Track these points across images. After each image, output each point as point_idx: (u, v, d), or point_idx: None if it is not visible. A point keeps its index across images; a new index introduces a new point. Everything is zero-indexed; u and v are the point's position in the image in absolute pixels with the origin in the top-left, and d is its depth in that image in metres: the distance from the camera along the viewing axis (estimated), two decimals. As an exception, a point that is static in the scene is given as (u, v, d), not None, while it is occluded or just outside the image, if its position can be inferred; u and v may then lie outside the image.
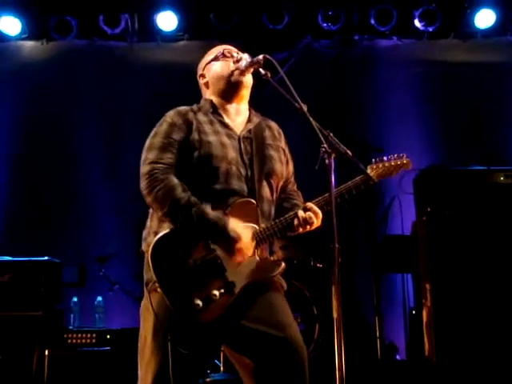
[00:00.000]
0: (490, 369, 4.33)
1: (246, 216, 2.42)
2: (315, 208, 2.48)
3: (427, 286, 4.64)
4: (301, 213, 2.46)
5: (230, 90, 2.61)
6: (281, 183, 2.64)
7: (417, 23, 6.56)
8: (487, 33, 6.64)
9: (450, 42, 6.76)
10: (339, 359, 2.16)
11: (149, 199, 2.39)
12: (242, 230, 2.37)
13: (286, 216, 2.48)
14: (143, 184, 2.39)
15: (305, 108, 2.42)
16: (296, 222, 2.45)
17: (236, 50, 2.69)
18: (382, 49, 6.82)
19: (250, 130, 2.59)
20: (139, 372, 2.40)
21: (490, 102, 6.50)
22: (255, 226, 2.43)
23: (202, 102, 2.67)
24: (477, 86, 6.53)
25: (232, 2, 6.45)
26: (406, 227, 5.51)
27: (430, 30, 6.57)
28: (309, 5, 6.54)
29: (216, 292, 2.30)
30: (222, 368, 4.68)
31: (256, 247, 2.42)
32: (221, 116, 2.58)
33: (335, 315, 2.18)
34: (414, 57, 6.77)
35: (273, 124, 2.73)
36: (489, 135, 6.36)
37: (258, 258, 2.43)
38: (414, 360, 4.98)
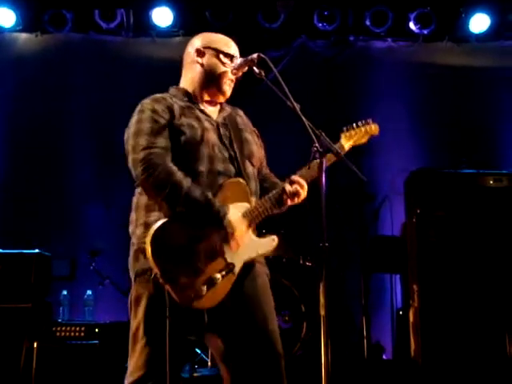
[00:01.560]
0: (476, 369, 4.38)
1: (238, 195, 2.45)
2: (300, 180, 2.53)
3: (415, 287, 4.68)
4: (288, 187, 2.51)
5: (213, 90, 2.62)
6: (258, 164, 2.68)
7: (412, 26, 6.59)
8: (481, 37, 6.68)
9: (444, 46, 6.80)
10: (325, 357, 2.18)
11: (146, 185, 2.36)
12: (239, 221, 2.39)
13: (274, 192, 2.53)
14: (138, 170, 2.35)
15: (298, 107, 2.44)
16: (285, 196, 2.51)
17: (236, 52, 2.68)
18: (377, 50, 6.85)
19: (224, 118, 2.63)
20: (130, 362, 2.39)
21: (483, 105, 6.54)
22: (247, 204, 2.46)
23: (174, 91, 2.64)
24: (470, 90, 6.58)
25: (228, 0, 6.47)
26: (396, 228, 5.55)
27: (425, 32, 6.61)
28: (305, 4, 6.56)
29: (218, 275, 2.31)
30: (209, 363, 4.70)
31: (250, 225, 2.44)
32: (197, 104, 2.59)
33: (322, 313, 2.20)
34: (408, 59, 6.80)
35: (240, 111, 2.77)
36: (480, 139, 6.41)
37: (252, 236, 2.46)
38: (401, 360, 5.02)
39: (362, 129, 2.80)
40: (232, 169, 2.49)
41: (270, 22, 6.53)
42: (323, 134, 2.42)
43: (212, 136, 2.50)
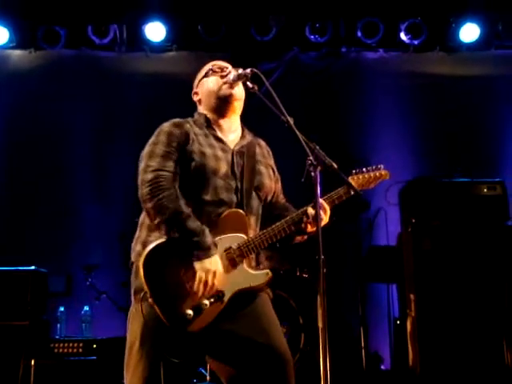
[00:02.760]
0: (474, 378, 4.38)
1: (236, 226, 2.47)
2: (324, 204, 2.52)
3: (412, 297, 4.69)
4: (310, 209, 2.50)
5: (221, 104, 2.64)
6: (269, 197, 2.69)
7: (403, 36, 6.64)
8: (472, 46, 6.73)
9: (435, 55, 6.85)
10: (324, 369, 2.18)
11: (149, 205, 2.39)
12: (220, 264, 2.39)
13: (294, 214, 2.53)
14: (145, 190, 2.39)
15: (291, 121, 2.45)
16: (305, 218, 2.50)
17: (225, 64, 2.73)
18: (369, 61, 6.89)
19: (243, 146, 2.64)
20: (126, 377, 2.42)
21: (474, 114, 6.58)
22: (244, 235, 2.47)
23: (196, 115, 2.70)
24: (461, 99, 6.62)
25: (220, 14, 6.50)
26: (392, 238, 5.57)
27: (416, 43, 6.66)
28: (296, 17, 6.60)
29: (206, 301, 2.34)
30: (208, 377, 4.69)
31: (244, 257, 2.45)
32: (214, 131, 2.62)
33: (320, 325, 2.21)
34: (400, 69, 6.84)
35: (262, 142, 2.79)
36: (473, 147, 6.44)
37: (246, 268, 2.47)
38: (399, 370, 5.01)
39: (372, 174, 2.72)
40: (235, 199, 2.50)
41: (262, 34, 6.56)
42: (317, 147, 2.43)
43: (222, 165, 2.52)
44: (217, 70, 2.68)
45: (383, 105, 6.65)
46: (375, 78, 6.77)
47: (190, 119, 2.66)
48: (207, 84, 2.68)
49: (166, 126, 2.57)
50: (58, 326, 5.49)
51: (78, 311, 5.67)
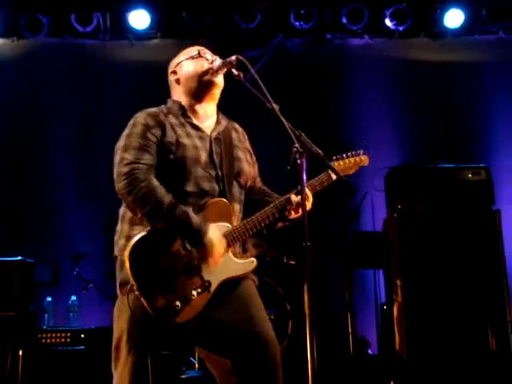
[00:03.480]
0: (459, 363, 4.43)
1: (220, 215, 2.46)
2: (306, 191, 2.51)
3: (398, 282, 4.72)
4: (293, 197, 2.53)
5: (201, 89, 2.61)
6: (249, 183, 2.69)
7: (388, 22, 6.64)
8: (456, 32, 6.74)
9: (420, 41, 6.86)
10: (311, 354, 2.20)
11: (129, 199, 2.37)
12: (218, 240, 2.40)
13: (277, 201, 2.55)
14: (121, 184, 2.36)
15: (277, 108, 2.44)
16: (289, 206, 2.52)
17: (210, 52, 2.71)
18: (354, 47, 6.89)
19: (219, 133, 2.62)
20: (114, 373, 2.40)
21: (460, 99, 6.61)
22: (228, 224, 2.47)
23: (170, 103, 2.66)
24: (447, 84, 6.64)
25: (204, 1, 6.46)
26: (378, 224, 5.59)
27: (401, 29, 6.66)
28: (281, 3, 6.58)
29: (193, 292, 2.34)
30: (196, 365, 4.71)
31: (229, 245, 2.45)
32: (190, 118, 2.59)
33: (307, 311, 2.22)
34: (385, 55, 6.84)
35: (238, 126, 2.77)
36: (457, 132, 6.47)
37: (231, 256, 2.47)
38: (386, 354, 5.06)
39: (352, 160, 2.78)
40: (216, 188, 2.49)
41: (247, 22, 6.53)
42: (303, 134, 2.43)
43: (201, 154, 2.50)
44: (202, 55, 2.64)
45: (369, 91, 6.66)
46: (361, 64, 6.77)
47: (163, 107, 2.62)
48: (190, 66, 2.63)
49: (140, 116, 2.52)
50: (46, 316, 5.47)
51: (65, 301, 5.65)
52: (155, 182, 2.38)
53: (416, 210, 4.78)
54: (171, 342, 2.34)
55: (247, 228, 2.49)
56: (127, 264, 2.28)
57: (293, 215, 2.55)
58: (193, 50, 2.69)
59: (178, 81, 2.67)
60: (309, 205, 2.53)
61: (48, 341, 4.88)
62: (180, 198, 2.40)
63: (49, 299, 5.55)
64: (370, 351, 5.52)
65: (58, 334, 4.92)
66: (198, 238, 2.35)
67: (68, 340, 4.89)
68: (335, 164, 2.71)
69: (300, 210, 2.51)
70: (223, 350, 2.43)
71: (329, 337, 5.12)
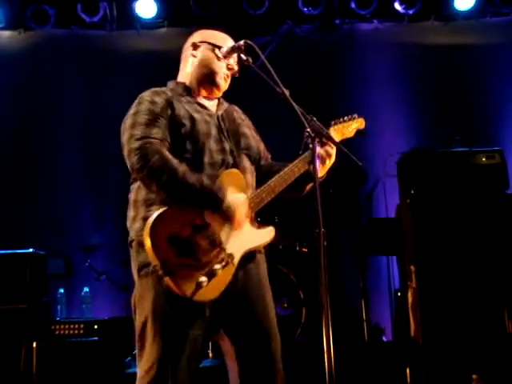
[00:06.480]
0: (476, 347, 4.39)
1: (234, 185, 2.43)
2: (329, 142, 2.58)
3: (412, 268, 4.67)
4: (318, 148, 2.51)
5: (206, 84, 2.62)
6: (257, 157, 2.68)
7: (397, 6, 6.57)
8: (467, 15, 6.67)
9: (430, 25, 6.78)
10: (327, 343, 2.16)
11: (142, 173, 2.31)
12: (239, 200, 2.37)
13: (303, 155, 2.55)
14: (134, 159, 2.31)
15: (287, 93, 2.41)
16: (320, 152, 2.54)
17: (236, 58, 2.63)
18: (363, 32, 6.82)
19: (224, 111, 2.63)
20: (140, 361, 2.35)
21: (472, 83, 6.53)
22: (243, 194, 2.44)
23: (173, 84, 2.63)
24: (458, 68, 6.57)
25: (212, -12, 6.41)
26: (391, 210, 5.55)
27: (411, 12, 6.59)
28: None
29: (218, 266, 2.28)
30: (210, 354, 4.70)
31: (247, 215, 2.42)
32: (195, 98, 2.59)
33: (322, 299, 2.19)
34: (395, 40, 6.78)
35: (236, 107, 2.77)
36: (470, 116, 6.40)
37: (250, 227, 2.44)
38: (401, 341, 5.03)
39: (350, 123, 2.86)
40: (230, 160, 2.47)
41: (254, 8, 6.49)
42: (314, 118, 2.40)
43: (211, 128, 2.49)
44: (223, 58, 2.61)
45: (379, 76, 6.60)
46: (370, 49, 6.71)
47: (166, 88, 2.59)
48: (210, 59, 2.62)
49: (145, 94, 2.50)
50: (59, 307, 5.49)
51: (77, 292, 5.67)
52: (168, 155, 2.34)
53: (429, 195, 4.71)
54: (198, 321, 2.30)
55: (262, 197, 2.47)
56: (148, 243, 2.20)
57: (321, 169, 2.56)
58: (222, 43, 2.64)
59: (194, 56, 2.65)
60: (334, 153, 2.60)
61: (61, 332, 4.89)
62: (197, 170, 2.36)
63: (61, 291, 5.57)
64: (384, 338, 5.49)
65: (72, 326, 4.93)
66: (218, 203, 2.30)
67: (81, 331, 4.89)
68: (335, 127, 2.78)
69: (327, 161, 2.58)
70: (231, 332, 2.42)
71: (343, 324, 5.09)
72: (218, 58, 2.61)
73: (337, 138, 2.73)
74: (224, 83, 2.64)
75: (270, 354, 2.42)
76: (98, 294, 5.68)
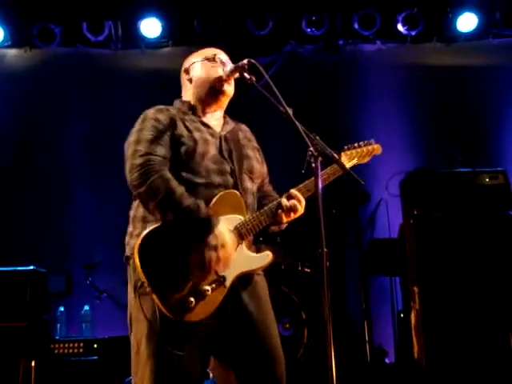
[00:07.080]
0: (480, 369, 4.34)
1: (232, 207, 2.42)
2: (299, 195, 2.51)
3: (415, 289, 4.65)
4: (284, 201, 2.49)
5: (211, 95, 2.61)
6: (259, 181, 2.66)
7: (400, 27, 6.60)
8: (470, 36, 6.69)
9: (433, 46, 6.80)
10: (330, 363, 2.13)
11: (140, 190, 2.31)
12: (228, 234, 2.34)
13: (270, 205, 2.50)
14: (134, 176, 2.31)
15: (290, 112, 2.41)
16: (279, 210, 2.47)
17: (226, 56, 2.68)
18: (366, 53, 6.85)
19: (227, 132, 2.61)
20: (134, 380, 2.34)
21: (475, 104, 6.54)
22: (241, 216, 2.42)
23: (179, 103, 2.64)
24: (460, 89, 6.58)
25: (216, 8, 6.45)
26: (393, 230, 5.53)
27: (413, 33, 6.62)
28: (293, 10, 6.56)
29: (207, 287, 2.26)
30: (210, 374, 4.65)
31: (242, 238, 2.40)
32: (199, 117, 2.59)
33: (325, 320, 2.16)
34: (397, 61, 6.80)
35: (244, 127, 2.75)
36: (473, 137, 6.40)
37: (245, 250, 2.42)
38: (404, 363, 4.98)
39: (364, 149, 2.80)
40: (230, 181, 2.46)
41: (258, 28, 6.53)
42: (317, 137, 2.39)
43: (211, 148, 2.48)
44: (217, 60, 2.62)
45: (382, 97, 6.61)
46: (373, 70, 6.73)
47: (170, 106, 2.60)
48: (204, 70, 2.63)
49: (150, 112, 2.51)
50: (58, 326, 5.45)
51: (78, 311, 5.63)
52: (168, 175, 2.33)
53: (433, 216, 4.70)
54: (185, 341, 2.26)
55: (260, 220, 2.45)
56: (137, 259, 2.20)
57: (284, 220, 2.51)
58: (209, 53, 2.67)
59: (190, 80, 2.67)
60: (302, 209, 2.51)
61: (61, 351, 4.85)
62: (191, 191, 2.35)
63: (61, 309, 5.53)
64: (387, 360, 5.44)
65: (71, 344, 4.89)
66: (207, 229, 2.28)
67: (81, 350, 4.86)
68: (347, 153, 2.73)
69: (291, 214, 2.50)
70: (231, 357, 2.38)
71: (345, 345, 5.04)
72: (213, 65, 2.61)
73: (349, 165, 2.69)
74: (228, 87, 2.61)
75: (275, 380, 2.38)
76: (99, 312, 5.64)
